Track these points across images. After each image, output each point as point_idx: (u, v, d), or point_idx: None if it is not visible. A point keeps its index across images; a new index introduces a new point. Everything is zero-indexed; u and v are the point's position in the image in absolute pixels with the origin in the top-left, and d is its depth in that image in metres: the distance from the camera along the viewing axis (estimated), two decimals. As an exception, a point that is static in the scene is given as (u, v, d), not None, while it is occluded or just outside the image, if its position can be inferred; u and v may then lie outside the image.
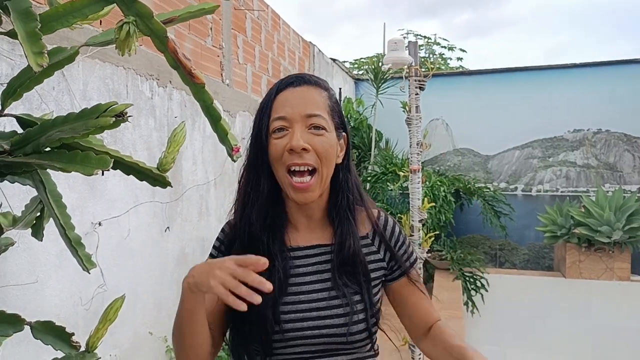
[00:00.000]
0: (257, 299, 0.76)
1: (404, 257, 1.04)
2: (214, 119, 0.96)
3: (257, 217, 0.96)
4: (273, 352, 0.92)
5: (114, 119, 0.85)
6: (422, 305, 1.04)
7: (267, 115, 0.96)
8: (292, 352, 0.93)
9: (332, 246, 0.99)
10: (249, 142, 0.99)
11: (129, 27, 0.87)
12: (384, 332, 1.04)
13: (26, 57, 0.77)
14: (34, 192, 1.06)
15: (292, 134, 0.92)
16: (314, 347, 0.93)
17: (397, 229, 1.05)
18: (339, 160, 0.99)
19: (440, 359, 0.97)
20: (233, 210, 1.02)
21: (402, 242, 1.05)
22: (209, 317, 0.93)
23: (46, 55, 0.78)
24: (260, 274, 0.82)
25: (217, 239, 1.04)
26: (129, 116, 0.87)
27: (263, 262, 0.79)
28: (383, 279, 1.03)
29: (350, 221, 0.99)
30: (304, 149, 0.91)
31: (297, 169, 0.92)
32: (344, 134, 1.01)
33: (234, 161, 1.00)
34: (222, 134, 0.99)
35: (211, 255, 1.03)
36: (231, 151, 0.97)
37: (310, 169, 0.92)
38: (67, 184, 1.87)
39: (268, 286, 0.77)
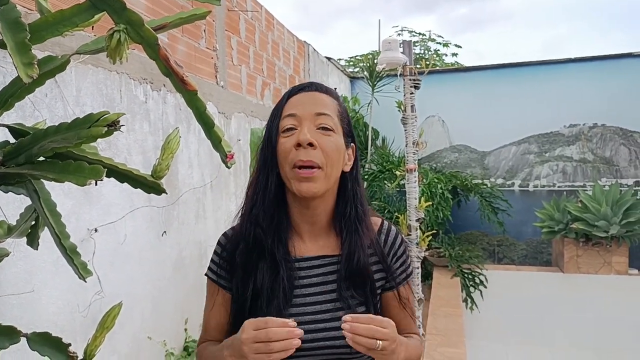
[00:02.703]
0: (297, 343, 0.79)
1: (399, 270, 1.03)
2: (207, 125, 0.95)
3: (264, 217, 0.96)
4: None
5: (106, 128, 0.84)
6: (400, 318, 1.01)
7: (278, 116, 0.98)
8: None
9: (338, 257, 0.98)
10: (260, 147, 1.01)
11: (120, 35, 0.87)
12: None
13: (16, 68, 0.77)
14: (28, 200, 1.05)
15: (300, 131, 0.93)
16: (319, 357, 0.93)
17: (398, 241, 1.04)
18: (347, 169, 0.99)
19: None
20: (240, 214, 1.02)
21: (401, 255, 1.03)
22: (220, 333, 1.00)
23: (36, 66, 0.77)
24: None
25: (219, 243, 1.04)
26: (122, 125, 0.87)
27: (280, 322, 0.81)
28: (381, 288, 1.02)
29: (359, 233, 0.98)
30: (311, 144, 0.92)
31: (303, 164, 0.92)
32: (352, 144, 1.01)
33: (228, 167, 0.99)
34: (216, 141, 0.97)
35: (213, 262, 1.04)
36: (225, 158, 0.96)
37: (315, 166, 0.93)
38: (62, 190, 1.86)
39: (297, 332, 0.80)
